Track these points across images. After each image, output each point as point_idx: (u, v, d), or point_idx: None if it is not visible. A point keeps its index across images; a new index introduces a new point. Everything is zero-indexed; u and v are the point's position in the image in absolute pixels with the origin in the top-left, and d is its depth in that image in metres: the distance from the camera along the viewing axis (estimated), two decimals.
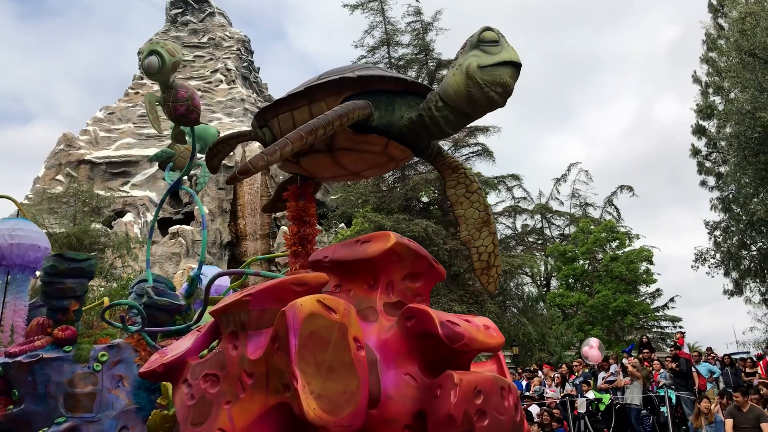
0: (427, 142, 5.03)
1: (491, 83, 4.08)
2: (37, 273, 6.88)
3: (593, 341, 17.75)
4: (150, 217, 39.14)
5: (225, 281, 8.09)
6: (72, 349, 5.38)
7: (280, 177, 38.44)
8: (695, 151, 26.63)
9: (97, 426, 5.19)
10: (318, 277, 4.11)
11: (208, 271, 8.13)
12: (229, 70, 50.52)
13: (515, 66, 4.06)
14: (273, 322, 4.07)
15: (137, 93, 48.36)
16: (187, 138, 6.10)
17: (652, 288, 33.79)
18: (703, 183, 26.00)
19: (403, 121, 4.64)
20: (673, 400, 14.50)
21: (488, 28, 4.13)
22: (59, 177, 40.91)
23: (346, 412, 3.64)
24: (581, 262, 34.29)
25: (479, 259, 5.01)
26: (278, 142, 4.12)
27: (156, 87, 5.63)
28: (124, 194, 41.38)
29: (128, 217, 38.99)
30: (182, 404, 4.12)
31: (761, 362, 15.08)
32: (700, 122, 26.00)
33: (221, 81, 49.51)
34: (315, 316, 3.72)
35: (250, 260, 6.27)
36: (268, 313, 4.02)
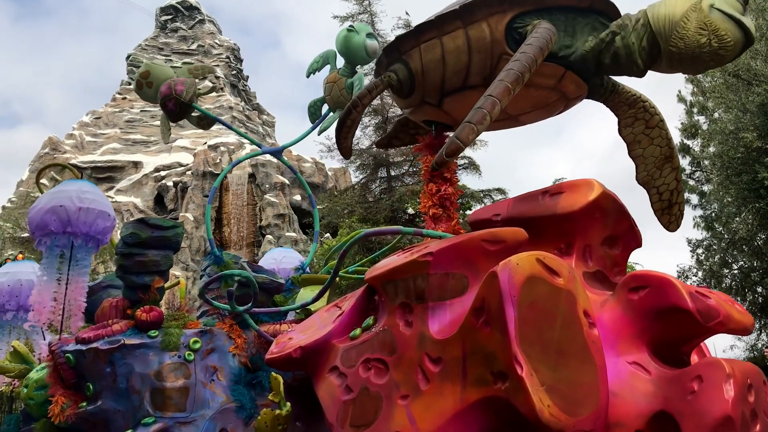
0: (604, 77, 4.13)
1: (712, 32, 3.37)
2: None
3: None
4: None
5: (292, 261, 7.02)
6: (158, 334, 4.43)
7: (266, 185, 37.69)
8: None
9: (191, 428, 4.22)
10: (516, 233, 3.13)
11: (288, 254, 7.19)
12: (217, 77, 49.94)
13: (746, 35, 3.39)
14: (460, 291, 3.10)
15: (125, 98, 48.00)
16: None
17: None
18: (687, 201, 25.69)
19: (588, 44, 3.73)
20: None
21: None
22: (44, 180, 40.27)
23: (586, 411, 2.66)
24: None
25: (660, 199, 4.44)
26: (481, 103, 3.26)
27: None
28: (109, 200, 40.75)
29: None
30: (334, 399, 3.14)
31: None
32: (685, 141, 26.49)
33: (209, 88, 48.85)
34: (536, 280, 2.75)
35: (355, 233, 5.29)
36: (453, 278, 3.05)
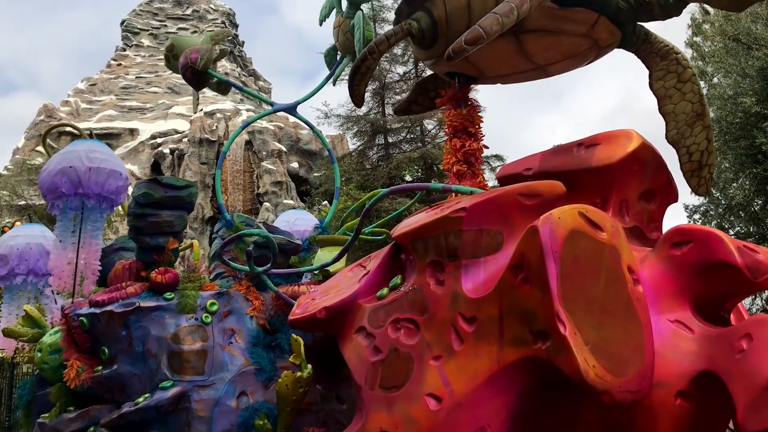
0: (636, 25, 3.93)
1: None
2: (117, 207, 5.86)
3: None
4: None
5: (306, 223, 6.86)
6: (174, 296, 4.32)
7: (264, 152, 37.34)
8: None
9: (210, 391, 4.14)
10: (553, 186, 2.97)
11: (301, 216, 7.05)
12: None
13: None
14: (495, 247, 2.95)
15: (119, 64, 47.33)
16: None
17: None
18: None
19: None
20: None
21: None
22: (39, 148, 39.74)
23: (632, 371, 2.53)
24: None
25: (689, 159, 4.24)
26: None
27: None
28: None
29: None
30: (362, 360, 3.03)
31: None
32: None
33: None
34: (579, 234, 2.60)
35: (370, 194, 5.11)
36: (487, 235, 2.90)
